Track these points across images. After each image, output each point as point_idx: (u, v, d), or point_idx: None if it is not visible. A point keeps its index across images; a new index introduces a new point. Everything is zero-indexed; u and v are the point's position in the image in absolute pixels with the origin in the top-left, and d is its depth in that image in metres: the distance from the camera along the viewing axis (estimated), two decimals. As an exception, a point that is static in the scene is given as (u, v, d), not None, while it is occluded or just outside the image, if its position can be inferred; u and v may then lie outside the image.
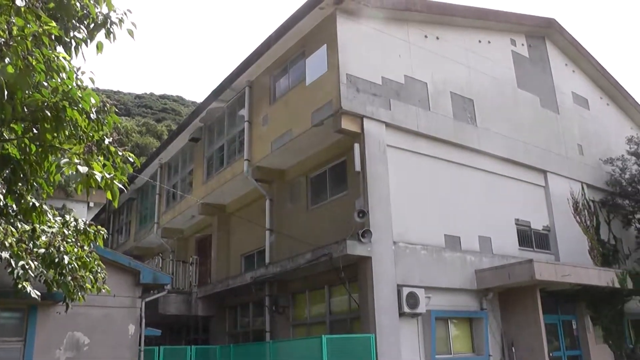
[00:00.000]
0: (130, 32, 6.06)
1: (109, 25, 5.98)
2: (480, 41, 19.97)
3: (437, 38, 18.24)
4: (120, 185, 5.59)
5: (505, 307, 16.88)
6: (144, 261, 21.97)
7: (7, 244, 7.01)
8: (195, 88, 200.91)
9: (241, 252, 20.76)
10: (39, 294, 7.85)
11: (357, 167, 14.55)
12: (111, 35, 6.07)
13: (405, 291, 14.10)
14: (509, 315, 16.75)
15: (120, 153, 5.91)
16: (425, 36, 17.86)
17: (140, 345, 14.15)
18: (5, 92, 4.70)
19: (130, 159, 6.00)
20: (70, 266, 7.71)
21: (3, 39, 4.62)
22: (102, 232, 8.31)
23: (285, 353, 14.13)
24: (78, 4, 5.62)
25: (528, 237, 19.05)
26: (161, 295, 15.72)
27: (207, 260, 22.29)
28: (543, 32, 23.20)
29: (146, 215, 28.21)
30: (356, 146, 14.68)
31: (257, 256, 19.48)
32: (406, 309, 13.99)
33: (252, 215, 19.32)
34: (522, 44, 22.01)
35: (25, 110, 5.13)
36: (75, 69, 5.52)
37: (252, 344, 17.24)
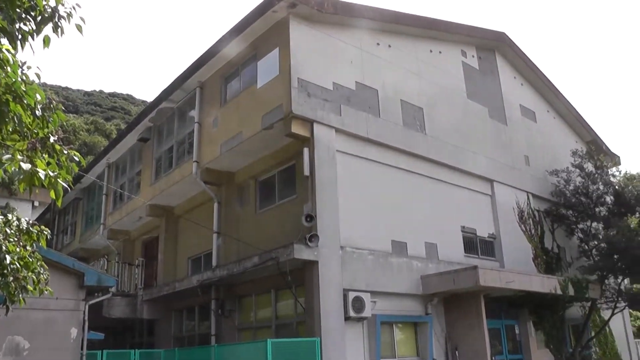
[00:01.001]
0: (79, 28, 5.93)
1: (56, 19, 5.85)
2: (431, 51, 20.31)
3: (389, 46, 18.47)
4: (65, 184, 5.46)
5: (449, 312, 17.19)
6: (89, 263, 21.59)
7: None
8: (146, 87, 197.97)
9: (188, 255, 20.56)
10: (-23, 296, 7.62)
11: (306, 172, 14.60)
12: (59, 30, 5.93)
13: (351, 295, 14.19)
14: (454, 320, 17.05)
15: (65, 152, 5.78)
16: (378, 44, 18.07)
17: (82, 349, 13.86)
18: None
19: (76, 158, 5.87)
20: (12, 266, 7.50)
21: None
22: (46, 232, 8.11)
23: (231, 357, 14.06)
24: (24, -5, 5.49)
25: (474, 244, 19.43)
26: (106, 298, 15.48)
27: (153, 263, 21.99)
28: (493, 45, 23.73)
29: (92, 216, 27.67)
30: (306, 150, 14.73)
31: (205, 259, 19.31)
32: (352, 313, 14.08)
33: (200, 218, 19.14)
34: (473, 56, 22.47)
35: (-34, 103, 4.99)
36: (20, 63, 5.39)
37: (197, 347, 17.07)
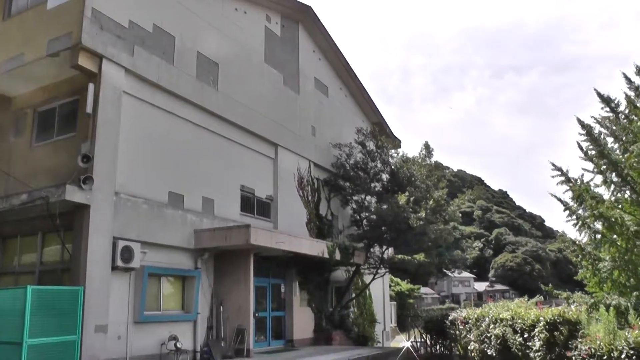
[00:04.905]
0: None
1: None
2: (237, 9, 20.23)
3: (195, -4, 18.05)
4: None
5: (219, 268, 17.55)
6: None
7: None
8: None
9: (-50, 186, 18.48)
10: None
11: (89, 109, 13.87)
12: None
13: (121, 244, 13.90)
14: (222, 276, 17.45)
15: None
16: (183, -10, 17.57)
17: None
18: None
19: None
20: None
21: None
22: None
23: (-14, 305, 12.93)
24: None
25: (251, 203, 19.92)
26: None
27: None
28: (298, 16, 24.26)
29: None
30: (91, 86, 13.95)
31: (-31, 192, 17.47)
32: (120, 263, 13.81)
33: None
34: (277, 23, 22.78)
35: None
36: None
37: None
